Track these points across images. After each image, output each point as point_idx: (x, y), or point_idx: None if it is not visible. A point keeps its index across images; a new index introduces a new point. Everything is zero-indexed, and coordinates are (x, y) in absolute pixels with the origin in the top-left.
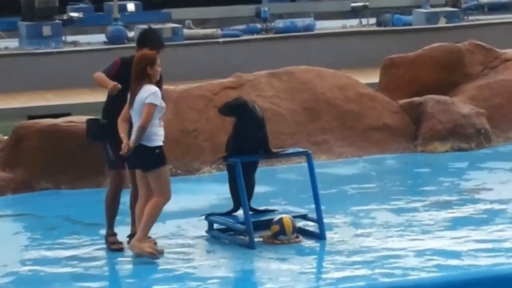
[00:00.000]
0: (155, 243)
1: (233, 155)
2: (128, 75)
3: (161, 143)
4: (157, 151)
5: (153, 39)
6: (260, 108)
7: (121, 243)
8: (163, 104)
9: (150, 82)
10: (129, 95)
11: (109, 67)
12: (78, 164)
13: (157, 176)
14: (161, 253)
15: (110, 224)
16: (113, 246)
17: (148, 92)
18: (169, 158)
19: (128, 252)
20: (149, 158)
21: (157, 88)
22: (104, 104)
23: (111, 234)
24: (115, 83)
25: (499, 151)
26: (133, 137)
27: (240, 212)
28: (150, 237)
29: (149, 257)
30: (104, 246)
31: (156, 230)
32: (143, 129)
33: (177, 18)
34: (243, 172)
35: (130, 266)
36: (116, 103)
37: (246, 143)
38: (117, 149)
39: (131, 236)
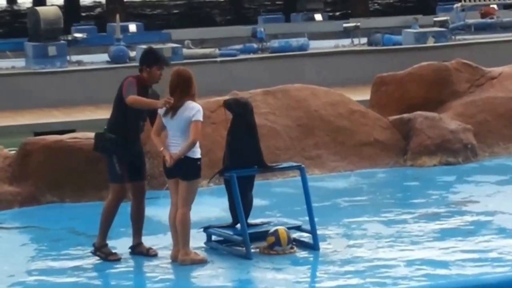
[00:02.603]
0: (130, 253)
1: (229, 167)
2: (141, 91)
3: (200, 156)
4: (199, 162)
5: (162, 58)
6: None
7: (116, 253)
8: None
9: (192, 99)
10: (169, 107)
11: (133, 88)
12: (82, 179)
13: (191, 186)
14: (205, 260)
15: (105, 235)
16: (111, 257)
17: (196, 109)
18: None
19: (129, 262)
20: (192, 169)
21: (200, 106)
22: (112, 120)
23: (104, 245)
24: (166, 99)
25: (485, 165)
26: (178, 148)
27: (237, 224)
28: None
29: (200, 263)
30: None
31: (157, 241)
32: (194, 144)
33: (176, 38)
34: (239, 190)
35: (132, 276)
36: (131, 120)
37: (240, 148)
38: (124, 164)
39: (132, 248)
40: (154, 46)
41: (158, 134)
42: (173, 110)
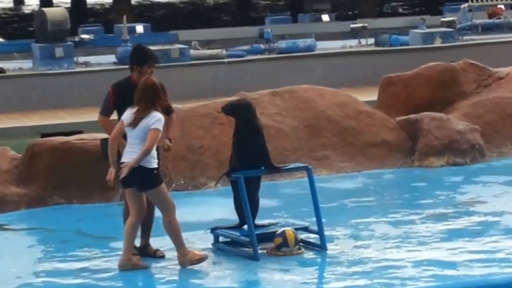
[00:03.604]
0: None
1: (235, 168)
2: (126, 97)
3: (157, 165)
4: (155, 171)
5: (152, 55)
6: (263, 126)
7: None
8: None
9: (157, 109)
10: (133, 116)
11: (106, 105)
12: (89, 180)
13: (158, 194)
14: (145, 267)
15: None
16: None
17: (155, 118)
18: (176, 174)
19: None
20: (148, 179)
21: (161, 115)
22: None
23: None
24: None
25: (493, 165)
26: (133, 156)
27: (244, 225)
28: (135, 253)
29: (200, 261)
30: (114, 258)
31: (164, 243)
32: (147, 152)
33: (184, 39)
34: (246, 191)
35: (139, 277)
36: None
37: (246, 149)
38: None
39: (139, 249)
40: (161, 47)
41: (116, 138)
42: (136, 120)
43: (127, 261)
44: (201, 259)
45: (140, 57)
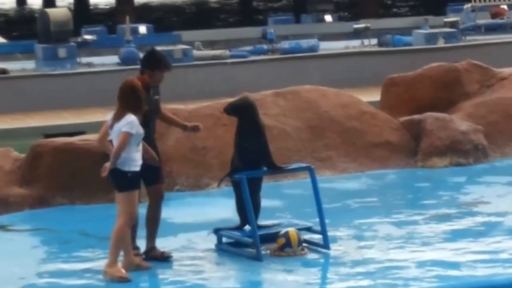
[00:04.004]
0: (144, 258)
1: (237, 168)
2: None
3: (135, 168)
4: (129, 175)
5: (165, 62)
6: (266, 126)
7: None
8: (140, 131)
9: (134, 111)
10: (113, 119)
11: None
12: (92, 181)
13: (124, 199)
14: (148, 268)
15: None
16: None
17: (126, 121)
18: (180, 174)
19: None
20: (122, 181)
21: (134, 118)
22: None
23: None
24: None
25: (496, 166)
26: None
27: (247, 226)
28: (138, 253)
29: (119, 281)
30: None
31: (168, 243)
32: (115, 155)
33: (187, 40)
34: (240, 191)
35: (142, 278)
36: (142, 124)
37: (248, 149)
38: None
39: (146, 252)
40: (165, 47)
41: (102, 140)
42: (112, 122)
43: (109, 267)
44: (122, 279)
45: (153, 62)
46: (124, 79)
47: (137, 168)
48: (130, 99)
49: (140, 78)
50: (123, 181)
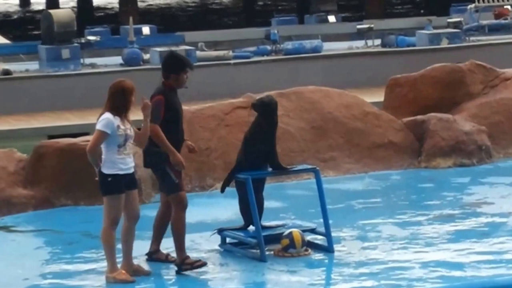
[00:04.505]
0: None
1: (242, 166)
2: (173, 103)
3: (117, 172)
4: (109, 179)
5: (188, 62)
6: None
7: (200, 259)
8: (120, 132)
9: (116, 111)
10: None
11: (158, 114)
12: (95, 182)
13: (105, 203)
14: (147, 273)
15: (184, 248)
16: (198, 263)
17: (100, 119)
18: (183, 175)
19: (144, 266)
20: (102, 184)
21: (109, 116)
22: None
23: (186, 257)
24: (181, 161)
25: (500, 166)
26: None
27: (251, 227)
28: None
29: (123, 283)
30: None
31: (171, 244)
32: (88, 153)
33: (190, 40)
34: (245, 191)
35: (146, 279)
36: (174, 129)
37: (259, 149)
38: (178, 172)
39: (150, 254)
40: (168, 48)
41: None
42: (96, 121)
43: (110, 272)
44: (127, 281)
45: (177, 65)
46: (115, 80)
47: (121, 172)
48: (109, 98)
49: (167, 84)
50: (103, 184)
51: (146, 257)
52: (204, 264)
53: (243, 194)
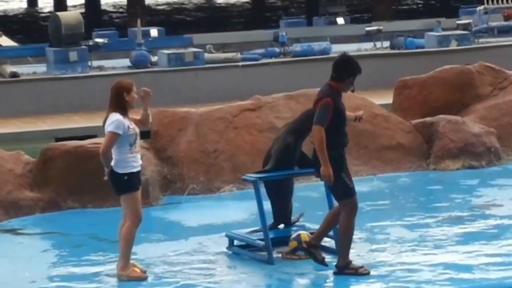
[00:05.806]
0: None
1: (274, 166)
2: (340, 104)
3: (132, 170)
4: (125, 177)
5: (360, 68)
6: (278, 129)
7: (362, 267)
8: (131, 132)
9: (119, 111)
10: (103, 121)
11: (326, 116)
12: (103, 184)
13: (126, 201)
14: (144, 276)
15: (349, 252)
16: (362, 270)
17: (110, 121)
18: (191, 178)
19: (151, 268)
20: (118, 184)
21: (119, 117)
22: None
23: (350, 262)
24: (331, 174)
25: (509, 168)
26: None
27: (280, 225)
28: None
29: (137, 280)
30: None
31: (179, 247)
32: (101, 156)
33: (198, 43)
34: (287, 189)
35: (153, 282)
36: (341, 131)
37: (297, 150)
38: (350, 175)
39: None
40: (176, 50)
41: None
42: (104, 124)
43: (122, 270)
44: (140, 278)
45: (351, 70)
46: (116, 81)
47: (134, 169)
48: (115, 98)
49: (335, 86)
50: (120, 184)
51: (149, 256)
52: (368, 273)
53: (273, 194)
